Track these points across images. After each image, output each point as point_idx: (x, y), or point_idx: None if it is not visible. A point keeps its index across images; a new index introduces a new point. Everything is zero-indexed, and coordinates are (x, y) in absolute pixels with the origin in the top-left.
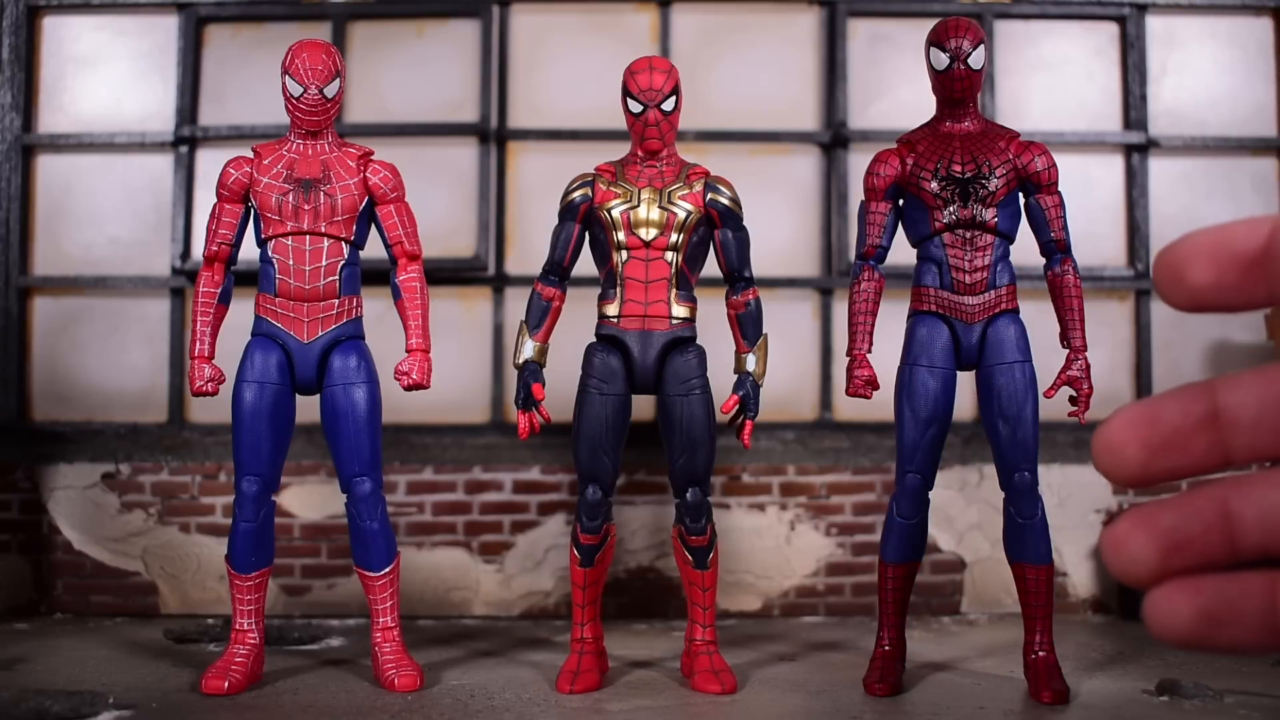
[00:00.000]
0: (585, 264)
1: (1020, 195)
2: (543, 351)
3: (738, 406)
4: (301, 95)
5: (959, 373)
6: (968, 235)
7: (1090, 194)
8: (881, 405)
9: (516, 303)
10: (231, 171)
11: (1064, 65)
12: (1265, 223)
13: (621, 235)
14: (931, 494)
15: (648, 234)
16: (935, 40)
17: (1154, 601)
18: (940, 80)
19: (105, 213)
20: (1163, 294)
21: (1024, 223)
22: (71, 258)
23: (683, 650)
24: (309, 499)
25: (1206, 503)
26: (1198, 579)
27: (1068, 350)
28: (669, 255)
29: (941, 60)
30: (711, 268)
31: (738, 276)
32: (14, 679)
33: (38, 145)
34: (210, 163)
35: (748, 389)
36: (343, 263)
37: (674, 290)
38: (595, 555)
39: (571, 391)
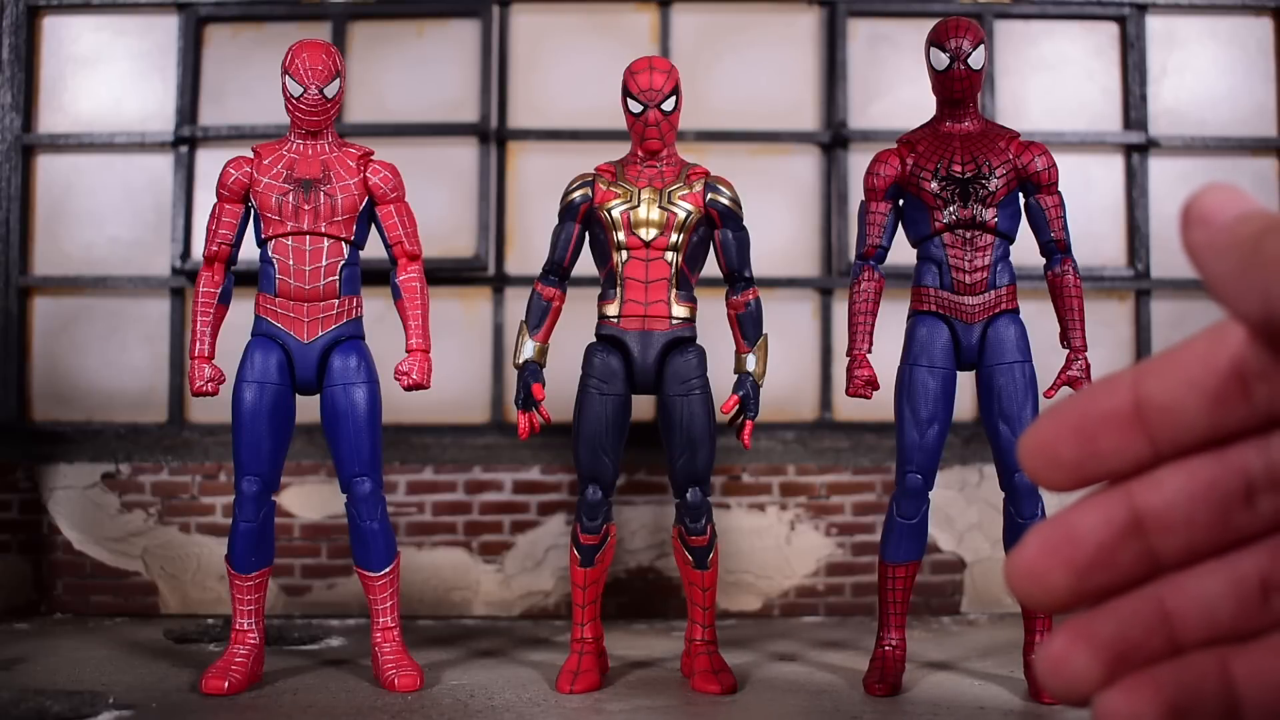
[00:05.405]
0: (585, 264)
1: (1020, 195)
2: (543, 351)
3: (738, 406)
4: (301, 95)
5: (959, 373)
6: (968, 235)
7: (1090, 194)
8: (881, 405)
9: (516, 303)
10: (231, 171)
11: (1064, 65)
12: (1123, 379)
13: (621, 235)
14: (931, 494)
15: (648, 234)
16: (935, 40)
17: (1110, 707)
18: (940, 80)
19: (105, 213)
20: (1040, 481)
21: (1024, 223)
22: (71, 258)
23: (683, 650)
24: (309, 499)
25: (1144, 604)
26: (1151, 674)
27: (1068, 350)
28: (669, 255)
29: (941, 60)
30: (711, 268)
31: (738, 276)
32: (14, 679)
33: (38, 145)
34: (210, 163)
35: (748, 389)
36: (343, 263)
37: (674, 290)
38: (595, 555)
39: (571, 391)
